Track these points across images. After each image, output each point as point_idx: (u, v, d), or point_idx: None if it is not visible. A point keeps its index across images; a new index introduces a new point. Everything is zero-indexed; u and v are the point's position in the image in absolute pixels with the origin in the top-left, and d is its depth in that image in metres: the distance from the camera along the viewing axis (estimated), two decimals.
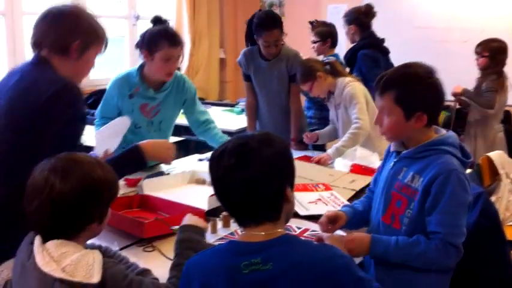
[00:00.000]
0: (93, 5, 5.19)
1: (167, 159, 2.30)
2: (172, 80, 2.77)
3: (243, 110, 5.05)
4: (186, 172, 2.49)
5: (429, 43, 5.30)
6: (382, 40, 4.17)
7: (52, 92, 1.68)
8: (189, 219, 1.66)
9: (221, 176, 1.29)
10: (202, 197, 2.18)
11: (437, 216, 1.64)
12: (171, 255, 1.79)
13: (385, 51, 4.11)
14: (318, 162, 3.03)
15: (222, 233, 1.97)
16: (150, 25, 2.74)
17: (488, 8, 5.06)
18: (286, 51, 3.46)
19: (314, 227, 2.02)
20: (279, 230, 1.30)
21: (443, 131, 1.77)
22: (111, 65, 5.14)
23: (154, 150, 2.16)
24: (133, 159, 2.11)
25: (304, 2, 6.07)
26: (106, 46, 1.95)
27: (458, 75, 5.10)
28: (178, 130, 4.70)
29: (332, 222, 1.87)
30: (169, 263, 1.56)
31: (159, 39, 2.62)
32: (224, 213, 2.01)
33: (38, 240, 1.35)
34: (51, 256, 1.30)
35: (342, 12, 5.72)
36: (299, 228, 2.03)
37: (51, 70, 1.79)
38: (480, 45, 4.24)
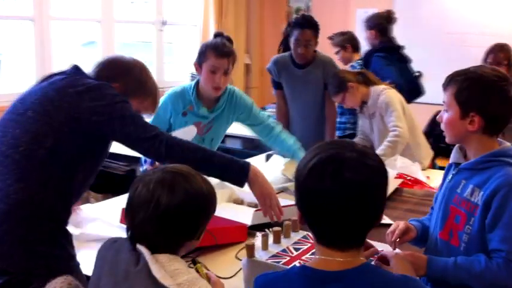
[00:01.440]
0: (121, 11, 5.18)
1: (266, 201, 1.98)
2: (225, 98, 2.70)
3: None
4: (224, 190, 2.40)
5: (461, 48, 5.18)
6: (400, 47, 4.08)
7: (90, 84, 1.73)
8: None
9: (325, 188, 1.14)
10: (241, 214, 2.13)
11: (499, 233, 1.53)
12: (217, 271, 1.73)
13: (403, 58, 4.01)
14: None
15: (272, 249, 1.87)
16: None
17: None
18: (321, 58, 3.39)
19: None
20: (361, 258, 1.19)
21: (508, 144, 1.67)
22: None
23: (262, 180, 1.98)
24: (235, 171, 1.96)
25: (332, 6, 5.97)
26: (154, 106, 1.99)
27: None
28: None
29: (402, 234, 1.76)
30: None
31: (206, 49, 2.57)
32: (276, 228, 1.92)
33: (145, 250, 1.29)
34: (166, 270, 1.26)
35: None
36: None
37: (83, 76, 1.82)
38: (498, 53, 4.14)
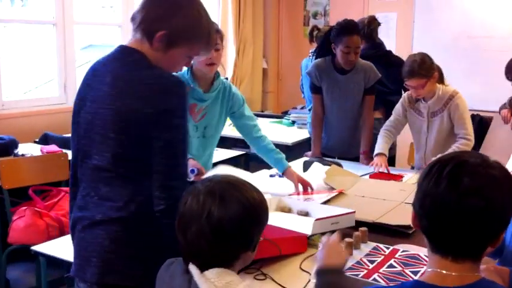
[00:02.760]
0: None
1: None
2: (220, 85, 2.69)
3: (293, 122, 4.94)
4: (272, 199, 2.35)
5: (483, 53, 5.15)
6: (386, 52, 4.01)
7: (163, 90, 1.54)
8: (324, 259, 1.48)
9: (452, 200, 1.08)
10: (297, 224, 2.08)
11: None
12: (286, 283, 1.69)
13: (391, 63, 3.88)
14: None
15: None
16: None
17: None
18: (362, 64, 3.36)
19: (402, 245, 1.92)
20: (476, 274, 1.13)
21: None
22: None
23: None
24: None
25: (350, 11, 5.92)
26: (208, 49, 1.75)
27: None
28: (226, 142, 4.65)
29: None
30: None
31: None
32: (348, 239, 1.87)
33: (195, 269, 1.26)
34: (216, 286, 1.22)
35: (391, 21, 5.66)
36: (387, 248, 1.90)
37: (143, 62, 1.60)
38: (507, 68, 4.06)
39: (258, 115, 5.50)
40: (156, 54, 1.63)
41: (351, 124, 3.45)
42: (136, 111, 1.52)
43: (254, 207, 1.29)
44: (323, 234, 1.97)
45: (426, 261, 1.75)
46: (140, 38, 1.63)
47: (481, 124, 4.97)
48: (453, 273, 1.11)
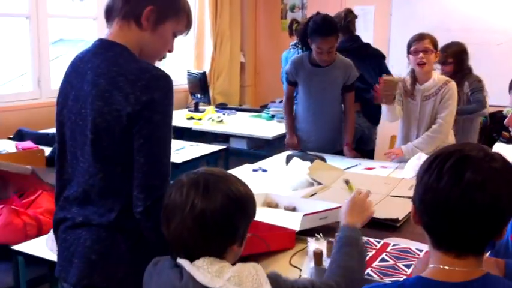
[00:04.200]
0: None
1: None
2: None
3: (273, 116, 4.91)
4: (259, 195, 2.30)
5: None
6: (362, 44, 3.99)
7: (144, 85, 1.44)
8: (346, 215, 1.59)
9: (455, 195, 1.05)
10: (285, 219, 2.04)
11: None
12: None
13: (365, 55, 3.88)
14: (389, 154, 3.14)
15: None
16: None
17: None
18: (341, 60, 3.35)
19: (392, 239, 1.92)
20: (480, 268, 1.10)
21: None
22: None
23: None
24: None
25: (327, 3, 5.91)
26: (188, 27, 1.65)
27: (493, 77, 5.02)
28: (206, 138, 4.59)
29: None
30: None
31: None
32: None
33: (184, 261, 1.24)
34: (210, 272, 1.20)
35: (368, 14, 5.66)
36: (378, 242, 1.88)
37: (125, 56, 1.51)
38: (442, 53, 3.91)
39: (236, 109, 5.49)
40: (143, 38, 1.55)
41: (328, 119, 3.41)
42: (118, 111, 1.44)
43: (239, 198, 1.27)
44: (311, 230, 1.96)
45: (418, 254, 1.74)
46: (119, 27, 1.55)
47: None
48: (457, 269, 1.08)
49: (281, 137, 4.32)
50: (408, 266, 1.64)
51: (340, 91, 3.39)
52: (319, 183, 2.66)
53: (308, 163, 2.85)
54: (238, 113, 5.31)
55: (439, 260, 1.11)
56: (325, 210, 2.05)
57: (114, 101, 1.44)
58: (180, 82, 5.60)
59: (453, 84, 3.15)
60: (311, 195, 2.47)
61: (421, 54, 3.05)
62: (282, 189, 2.60)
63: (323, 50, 3.22)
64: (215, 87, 5.88)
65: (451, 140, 3.26)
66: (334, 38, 3.23)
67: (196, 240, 1.23)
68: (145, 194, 1.44)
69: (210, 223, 1.22)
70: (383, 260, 1.69)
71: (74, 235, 1.55)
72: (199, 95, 5.30)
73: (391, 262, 1.67)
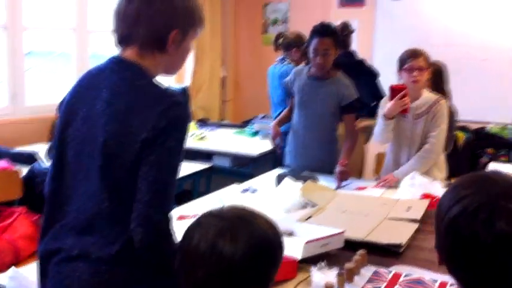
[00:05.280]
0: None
1: None
2: None
3: (257, 132, 4.80)
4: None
5: (445, 61, 5.15)
6: (358, 61, 3.95)
7: (163, 111, 1.34)
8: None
9: (477, 237, 1.00)
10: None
11: None
12: None
13: (361, 72, 3.83)
14: (384, 184, 3.00)
15: None
16: None
17: (509, 26, 4.94)
18: (340, 78, 3.25)
19: (400, 267, 1.81)
20: None
21: None
22: None
23: None
24: None
25: (310, 17, 5.84)
26: (203, 24, 1.57)
27: (477, 93, 5.02)
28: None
29: None
30: None
31: None
32: (348, 265, 1.73)
33: None
34: None
35: (352, 26, 5.61)
36: (389, 271, 1.78)
37: (145, 78, 1.42)
38: None
39: (218, 125, 5.36)
40: (166, 61, 1.47)
41: (318, 136, 3.28)
42: (133, 135, 1.32)
43: (268, 244, 1.15)
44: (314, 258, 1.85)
45: (431, 285, 1.64)
46: (137, 54, 1.45)
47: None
48: None
49: (267, 154, 4.22)
50: None
51: (338, 111, 3.26)
52: (313, 205, 2.55)
53: (300, 183, 2.74)
54: (220, 129, 5.19)
55: None
56: (327, 237, 1.94)
57: (130, 123, 1.33)
58: None
59: (444, 102, 3.08)
60: (306, 219, 2.36)
61: (415, 72, 2.97)
62: (274, 211, 2.48)
63: (318, 52, 3.12)
64: (195, 102, 5.75)
65: (442, 158, 3.19)
66: (331, 41, 3.12)
67: None
68: (145, 228, 1.31)
69: (239, 274, 1.11)
70: None
71: (69, 267, 1.41)
72: None
73: None
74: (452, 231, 1.03)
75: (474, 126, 4.92)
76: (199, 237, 1.12)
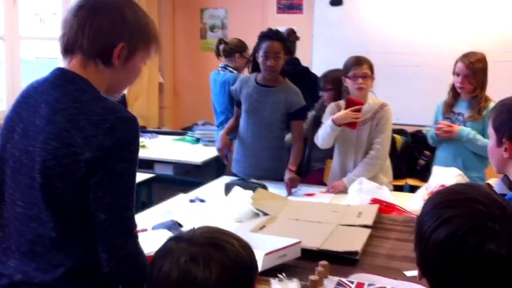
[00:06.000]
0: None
1: None
2: None
3: (198, 140, 4.72)
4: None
5: (382, 68, 5.27)
6: (303, 69, 4.01)
7: (109, 127, 1.26)
8: None
9: (465, 258, 1.01)
10: None
11: None
12: None
13: (306, 80, 3.81)
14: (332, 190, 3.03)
15: None
16: None
17: (442, 34, 5.11)
18: (288, 85, 3.25)
19: (359, 276, 1.81)
20: None
21: None
22: None
23: None
24: None
25: (248, 23, 5.84)
26: (158, 51, 1.51)
27: (413, 97, 5.16)
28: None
29: None
30: None
31: None
32: (313, 277, 1.70)
33: None
34: None
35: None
36: (351, 282, 1.76)
37: (89, 92, 1.33)
38: (322, 79, 3.65)
39: (156, 132, 5.24)
40: (110, 75, 1.37)
41: (267, 144, 3.25)
42: (76, 155, 1.23)
43: (242, 268, 1.09)
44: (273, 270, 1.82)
45: None
46: (81, 65, 1.35)
47: None
48: None
49: (211, 162, 4.15)
50: None
51: (286, 118, 3.24)
52: (265, 214, 2.52)
53: (250, 192, 2.70)
54: (160, 136, 5.08)
55: None
56: (285, 247, 1.91)
57: (72, 142, 1.24)
58: None
59: (389, 108, 3.11)
60: (260, 228, 2.31)
61: (359, 80, 3.00)
62: (225, 221, 2.43)
63: (269, 55, 3.11)
64: (133, 110, 5.59)
65: (388, 163, 3.24)
66: (280, 45, 3.13)
67: None
68: (108, 254, 1.25)
69: None
70: None
71: None
72: None
73: None
74: (441, 254, 1.03)
75: (411, 130, 5.05)
76: (170, 266, 1.05)
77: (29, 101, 1.35)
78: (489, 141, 1.69)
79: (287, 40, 3.37)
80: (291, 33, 3.80)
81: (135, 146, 1.31)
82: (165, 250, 1.09)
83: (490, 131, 1.65)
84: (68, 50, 1.37)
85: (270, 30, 3.22)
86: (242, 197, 2.66)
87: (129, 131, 1.29)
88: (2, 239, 1.37)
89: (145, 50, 1.43)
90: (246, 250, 1.14)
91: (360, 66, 3.02)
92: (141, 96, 5.72)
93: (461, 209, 1.03)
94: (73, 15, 1.36)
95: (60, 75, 1.36)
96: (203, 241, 1.09)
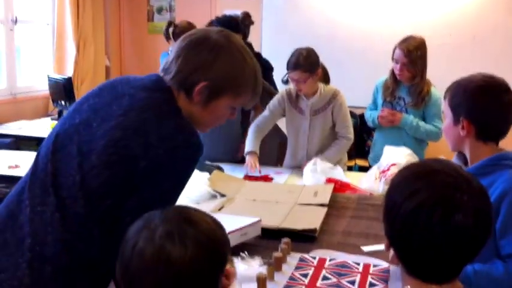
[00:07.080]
0: None
1: None
2: None
3: None
4: None
5: (332, 52, 5.35)
6: (256, 54, 3.98)
7: (172, 147, 1.28)
8: None
9: (432, 233, 1.04)
10: None
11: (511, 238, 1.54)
12: None
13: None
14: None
15: (279, 279, 1.65)
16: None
17: (384, 18, 5.22)
18: (267, 87, 3.24)
19: (319, 251, 1.85)
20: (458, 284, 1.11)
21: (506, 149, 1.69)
22: None
23: None
24: None
25: (196, 6, 5.79)
26: (254, 99, 1.51)
27: (360, 80, 5.26)
28: None
29: None
30: None
31: None
32: (277, 254, 1.72)
33: None
34: None
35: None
36: (313, 257, 1.80)
37: (170, 106, 1.35)
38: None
39: None
40: (191, 109, 1.39)
41: (221, 126, 3.24)
42: (131, 157, 1.25)
43: (217, 245, 1.09)
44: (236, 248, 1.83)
45: (356, 268, 1.70)
46: (176, 88, 1.38)
47: None
48: None
49: None
50: (352, 282, 1.58)
51: None
52: (222, 195, 2.53)
53: (206, 174, 2.71)
54: None
55: (415, 286, 1.10)
56: (245, 227, 1.93)
57: (132, 143, 1.26)
58: (39, 88, 5.14)
59: (341, 95, 3.11)
60: (219, 209, 2.33)
61: (295, 83, 3.00)
62: (183, 203, 2.41)
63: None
64: (79, 93, 5.46)
65: None
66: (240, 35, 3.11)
67: None
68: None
69: (188, 278, 1.03)
70: (325, 278, 1.61)
71: None
72: (63, 102, 4.87)
73: (334, 280, 1.59)
74: (409, 224, 1.06)
75: (359, 112, 5.16)
76: (144, 242, 1.04)
77: (116, 86, 1.39)
78: (445, 120, 1.73)
79: (242, 24, 3.35)
80: (246, 16, 3.73)
81: (189, 171, 1.35)
82: (138, 227, 1.07)
83: (446, 110, 1.70)
84: (164, 70, 1.42)
85: (224, 16, 3.17)
86: (198, 179, 2.66)
87: (189, 155, 1.31)
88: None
89: (233, 95, 1.43)
90: (219, 227, 1.14)
91: (294, 71, 2.95)
92: (87, 80, 5.59)
93: (429, 181, 1.06)
94: (180, 41, 1.43)
95: (156, 81, 1.39)
96: (177, 217, 1.09)
